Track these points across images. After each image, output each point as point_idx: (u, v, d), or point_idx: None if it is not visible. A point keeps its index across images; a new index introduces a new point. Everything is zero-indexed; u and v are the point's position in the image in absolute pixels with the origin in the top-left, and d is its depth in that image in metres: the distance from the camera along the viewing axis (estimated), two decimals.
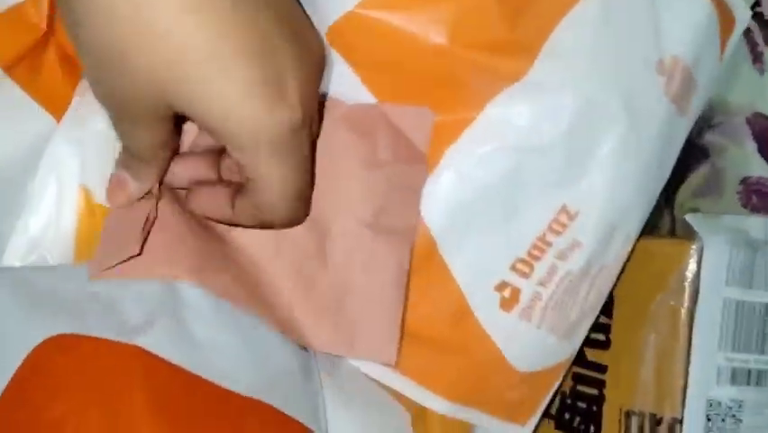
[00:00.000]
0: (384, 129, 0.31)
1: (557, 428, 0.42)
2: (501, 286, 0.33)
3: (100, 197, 0.30)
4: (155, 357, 0.26)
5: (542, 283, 0.33)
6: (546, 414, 0.43)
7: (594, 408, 0.40)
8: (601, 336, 0.41)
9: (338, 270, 0.30)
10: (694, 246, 0.38)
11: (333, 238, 0.30)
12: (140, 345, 0.26)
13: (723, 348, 0.38)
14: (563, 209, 0.32)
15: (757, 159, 0.48)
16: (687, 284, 0.38)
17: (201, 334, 0.27)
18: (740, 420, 0.38)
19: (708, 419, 0.37)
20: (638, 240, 0.39)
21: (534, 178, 0.31)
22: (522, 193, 0.31)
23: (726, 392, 0.38)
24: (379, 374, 0.32)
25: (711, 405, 0.37)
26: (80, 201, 0.30)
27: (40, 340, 0.26)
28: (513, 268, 0.32)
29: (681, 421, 0.37)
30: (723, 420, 0.38)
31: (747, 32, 0.48)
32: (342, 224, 0.30)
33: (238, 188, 0.28)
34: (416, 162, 0.31)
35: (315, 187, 0.30)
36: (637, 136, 0.33)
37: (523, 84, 0.31)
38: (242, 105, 0.24)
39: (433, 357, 0.33)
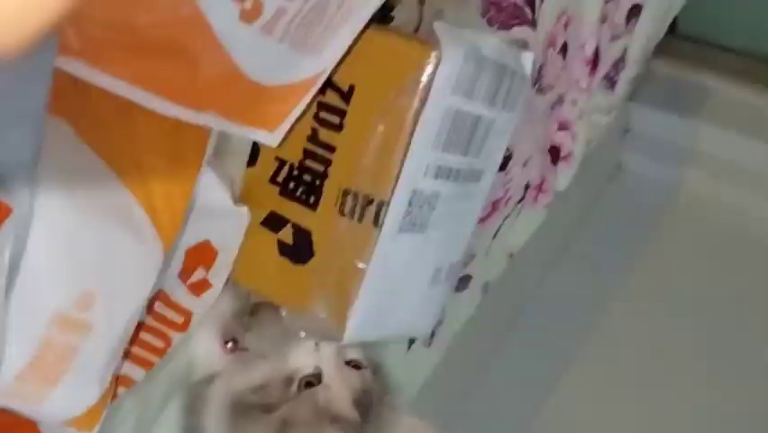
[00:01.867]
0: None
1: (281, 194, 0.45)
2: None
3: None
4: None
5: None
6: (273, 181, 0.46)
7: (317, 182, 0.44)
8: (336, 120, 0.43)
9: None
10: (435, 53, 0.41)
11: None
12: None
13: (435, 148, 0.43)
14: None
15: None
16: (420, 86, 0.41)
17: None
18: (433, 208, 0.45)
19: (410, 204, 0.43)
20: (385, 34, 0.41)
21: None
22: None
23: (429, 184, 0.44)
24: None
25: (415, 193, 0.43)
26: None
27: None
28: None
29: (388, 204, 0.42)
30: (420, 207, 0.44)
31: None
32: None
33: None
34: None
35: None
36: None
37: None
38: None
39: (165, 66, 0.32)
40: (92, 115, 0.32)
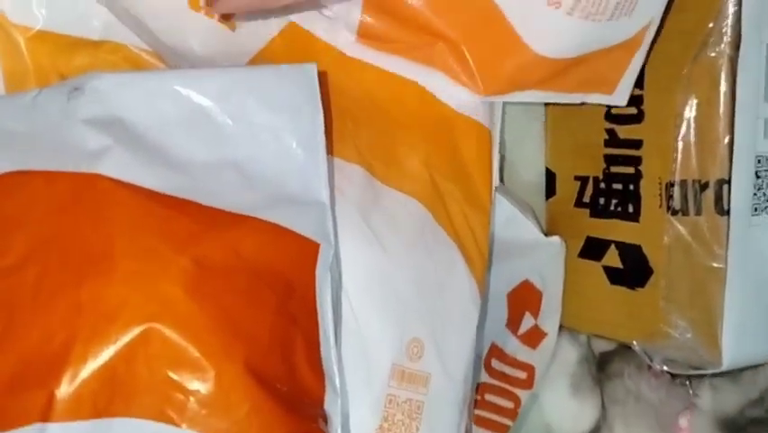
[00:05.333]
0: None
1: (592, 215, 0.40)
2: None
3: (18, 17, 0.25)
4: (122, 183, 0.22)
5: None
6: (580, 203, 0.40)
7: (631, 186, 0.38)
8: (633, 110, 0.37)
9: None
10: None
11: None
12: (100, 172, 0.22)
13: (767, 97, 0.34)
14: None
15: None
16: (727, 29, 0.34)
17: (174, 152, 0.24)
18: None
19: (758, 176, 0.35)
20: None
21: None
22: None
23: None
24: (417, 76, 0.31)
25: (760, 161, 0.35)
26: None
27: None
28: None
29: (728, 182, 0.34)
30: None
31: None
32: None
33: None
34: None
35: None
36: None
37: None
38: None
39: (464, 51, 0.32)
40: (382, 149, 0.30)
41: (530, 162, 0.42)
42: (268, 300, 0.24)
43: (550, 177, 0.42)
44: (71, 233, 0.22)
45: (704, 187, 0.35)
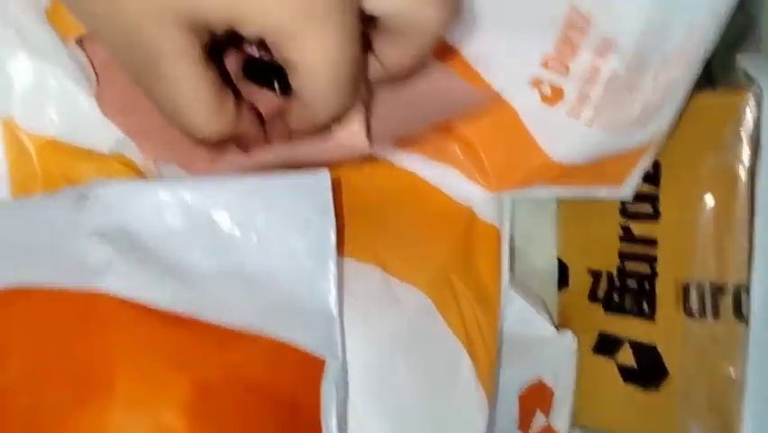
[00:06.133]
0: None
1: (607, 311, 0.39)
2: (536, 82, 0.30)
3: (31, 124, 0.25)
4: (123, 301, 0.22)
5: (588, 82, 0.30)
6: (593, 298, 0.39)
7: (646, 285, 0.37)
8: (648, 208, 0.37)
9: None
10: (750, 92, 0.33)
11: None
12: (103, 289, 0.22)
13: None
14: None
15: None
16: (745, 137, 0.33)
17: (179, 263, 0.23)
18: None
19: None
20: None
21: None
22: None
23: None
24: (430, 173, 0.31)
25: None
26: (6, 137, 0.25)
27: None
28: (544, 65, 0.30)
29: (747, 288, 0.33)
30: None
31: None
32: None
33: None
34: None
35: None
36: None
37: None
38: None
39: (480, 151, 0.32)
40: (398, 248, 0.30)
41: (542, 251, 0.41)
42: (270, 423, 0.23)
43: (562, 268, 0.41)
44: (69, 355, 0.21)
45: (722, 290, 0.34)
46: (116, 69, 0.24)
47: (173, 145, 0.26)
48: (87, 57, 0.25)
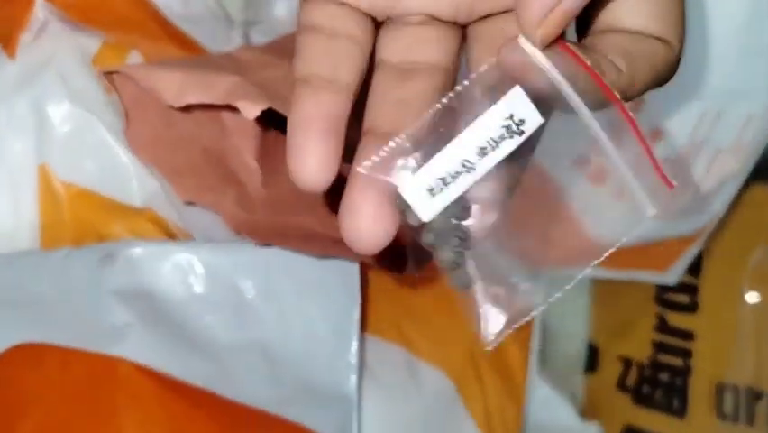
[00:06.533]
0: None
1: (635, 402, 0.37)
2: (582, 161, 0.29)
3: (65, 173, 0.25)
4: (140, 368, 0.21)
5: None
6: (622, 387, 0.38)
7: (679, 381, 0.35)
8: (686, 299, 0.35)
9: None
10: None
11: None
12: (120, 355, 0.21)
13: None
14: None
15: None
16: None
17: (199, 332, 0.23)
18: None
19: None
20: None
21: None
22: None
23: None
24: None
25: None
26: (41, 183, 0.25)
27: (4, 348, 0.22)
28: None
29: None
30: None
31: None
32: None
33: None
34: None
35: None
36: None
37: None
38: None
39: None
40: (427, 330, 0.29)
41: (573, 332, 0.40)
42: None
43: (592, 351, 0.39)
44: (82, 420, 0.21)
45: (758, 396, 0.32)
46: (147, 105, 0.24)
47: (202, 183, 0.26)
48: (117, 91, 0.25)
